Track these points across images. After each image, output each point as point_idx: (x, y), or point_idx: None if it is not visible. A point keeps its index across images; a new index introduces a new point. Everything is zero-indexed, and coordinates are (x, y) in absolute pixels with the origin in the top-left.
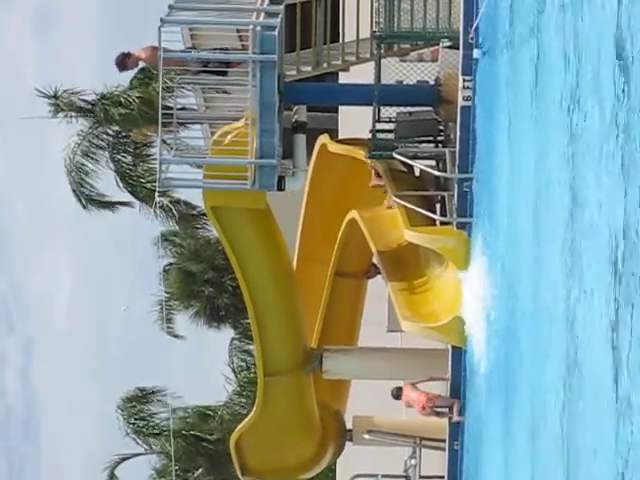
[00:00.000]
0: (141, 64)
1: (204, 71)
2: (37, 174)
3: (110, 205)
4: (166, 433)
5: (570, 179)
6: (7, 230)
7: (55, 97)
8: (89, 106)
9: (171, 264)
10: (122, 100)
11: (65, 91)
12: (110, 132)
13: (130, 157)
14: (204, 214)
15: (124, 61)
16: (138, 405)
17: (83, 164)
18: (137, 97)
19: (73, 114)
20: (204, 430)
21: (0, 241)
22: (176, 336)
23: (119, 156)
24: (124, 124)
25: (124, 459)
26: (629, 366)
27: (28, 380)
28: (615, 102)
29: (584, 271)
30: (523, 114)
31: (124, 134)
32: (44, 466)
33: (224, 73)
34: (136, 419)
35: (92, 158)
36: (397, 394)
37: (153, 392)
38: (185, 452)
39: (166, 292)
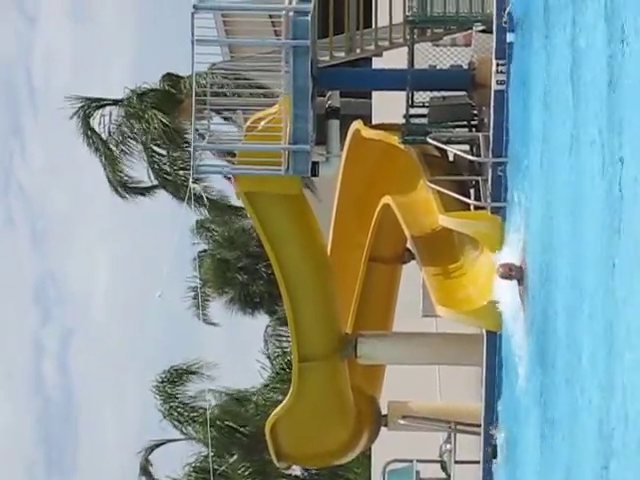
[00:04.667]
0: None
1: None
2: (72, 164)
3: (146, 191)
4: (201, 419)
5: (606, 164)
6: (45, 221)
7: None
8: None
9: (205, 251)
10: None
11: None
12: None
13: (163, 146)
14: (239, 204)
15: None
16: (174, 386)
17: (116, 153)
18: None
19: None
20: (239, 415)
21: (39, 232)
22: (211, 323)
23: (152, 145)
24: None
25: (159, 444)
26: None
27: (66, 368)
28: None
29: (624, 252)
30: (558, 97)
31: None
32: (81, 453)
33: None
34: (172, 403)
35: (126, 146)
36: None
37: (188, 371)
38: (220, 437)
39: (200, 279)
